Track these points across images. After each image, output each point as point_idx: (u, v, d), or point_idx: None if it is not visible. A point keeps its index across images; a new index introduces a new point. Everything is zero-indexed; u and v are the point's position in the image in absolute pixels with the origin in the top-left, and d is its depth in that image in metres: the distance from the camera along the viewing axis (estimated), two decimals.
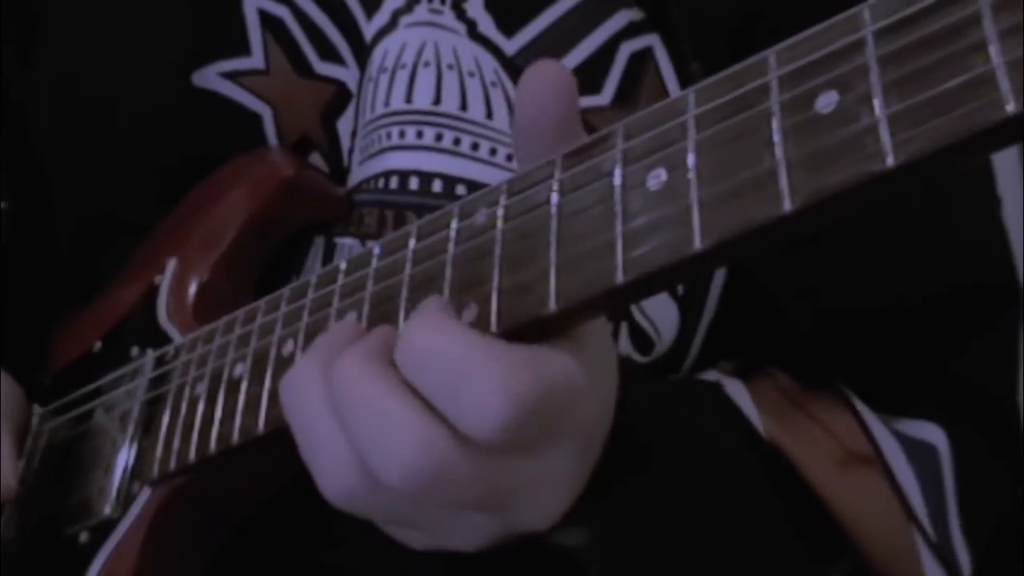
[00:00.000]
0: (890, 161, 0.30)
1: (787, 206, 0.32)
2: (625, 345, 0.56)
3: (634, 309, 0.56)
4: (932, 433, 0.54)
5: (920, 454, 0.54)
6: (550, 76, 0.38)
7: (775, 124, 0.33)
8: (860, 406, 0.54)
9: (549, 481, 0.39)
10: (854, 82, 0.31)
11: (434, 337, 0.36)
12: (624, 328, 0.55)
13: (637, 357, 0.56)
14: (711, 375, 0.56)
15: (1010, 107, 0.28)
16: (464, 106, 0.55)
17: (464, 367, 0.35)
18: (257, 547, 0.54)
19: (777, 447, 0.52)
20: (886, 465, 0.52)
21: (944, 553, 0.52)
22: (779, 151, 0.32)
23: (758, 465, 0.50)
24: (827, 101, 0.32)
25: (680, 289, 0.56)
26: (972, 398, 0.56)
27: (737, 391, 0.54)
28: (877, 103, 0.30)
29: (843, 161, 0.31)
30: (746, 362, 0.57)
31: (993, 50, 0.29)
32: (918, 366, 0.56)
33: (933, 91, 0.29)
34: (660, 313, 0.56)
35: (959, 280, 0.57)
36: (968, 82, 0.29)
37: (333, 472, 0.38)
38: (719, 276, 0.56)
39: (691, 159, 0.34)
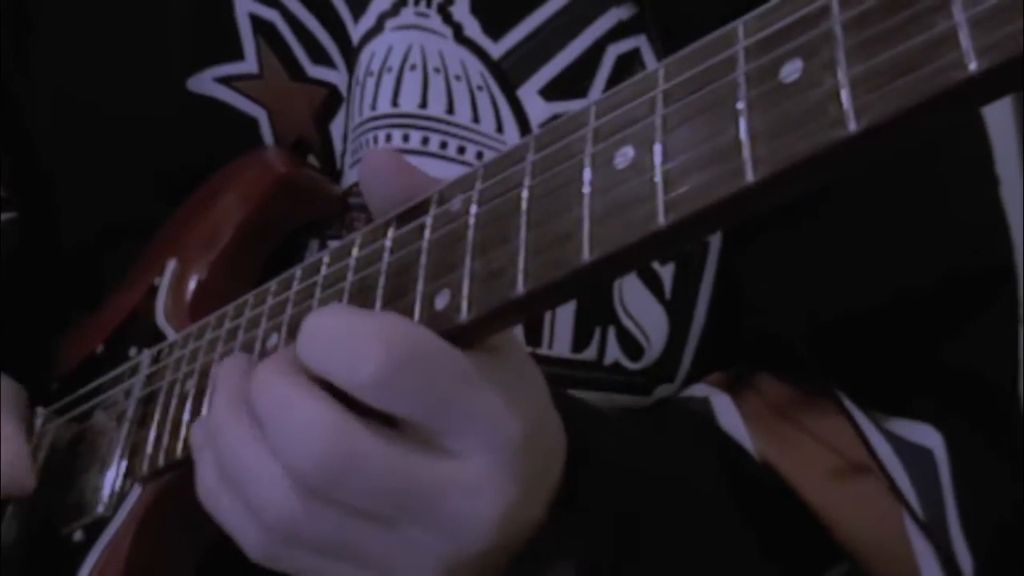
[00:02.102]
0: (852, 126, 0.29)
1: (750, 177, 0.31)
2: (615, 351, 0.55)
3: (620, 313, 0.55)
4: (928, 436, 0.53)
5: (916, 459, 0.52)
6: (384, 155, 0.43)
7: (740, 95, 0.32)
8: (854, 410, 0.52)
9: (471, 483, 0.38)
10: (819, 49, 0.30)
11: (316, 320, 0.39)
12: (612, 333, 0.54)
13: (628, 364, 0.55)
14: (700, 390, 0.55)
15: (972, 66, 0.27)
16: (451, 109, 0.54)
17: (345, 328, 0.38)
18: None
19: (769, 466, 0.51)
20: (886, 471, 0.51)
21: (945, 555, 0.50)
22: (743, 122, 0.31)
23: (730, 501, 0.49)
24: (792, 69, 0.31)
25: (668, 293, 0.55)
26: (969, 385, 0.55)
27: (726, 410, 0.53)
28: (840, 69, 0.29)
29: (806, 129, 0.30)
30: (738, 372, 0.56)
31: (955, 8, 0.27)
32: (913, 355, 0.55)
33: (895, 53, 0.28)
34: (648, 318, 0.55)
35: (955, 263, 0.55)
36: (930, 42, 0.28)
37: (269, 498, 0.38)
38: (707, 281, 0.55)
39: (657, 135, 0.34)
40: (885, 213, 0.53)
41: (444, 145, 0.54)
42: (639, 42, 0.54)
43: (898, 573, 0.50)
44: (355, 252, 0.43)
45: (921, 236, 0.54)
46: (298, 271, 0.46)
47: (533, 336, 0.52)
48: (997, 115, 0.55)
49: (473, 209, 0.38)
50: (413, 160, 0.54)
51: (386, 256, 0.41)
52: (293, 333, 0.44)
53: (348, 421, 0.37)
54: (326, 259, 0.44)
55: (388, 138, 0.54)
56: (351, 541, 0.38)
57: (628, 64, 0.54)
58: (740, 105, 0.31)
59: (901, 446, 0.52)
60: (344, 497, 0.37)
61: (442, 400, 0.37)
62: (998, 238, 0.56)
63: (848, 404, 0.52)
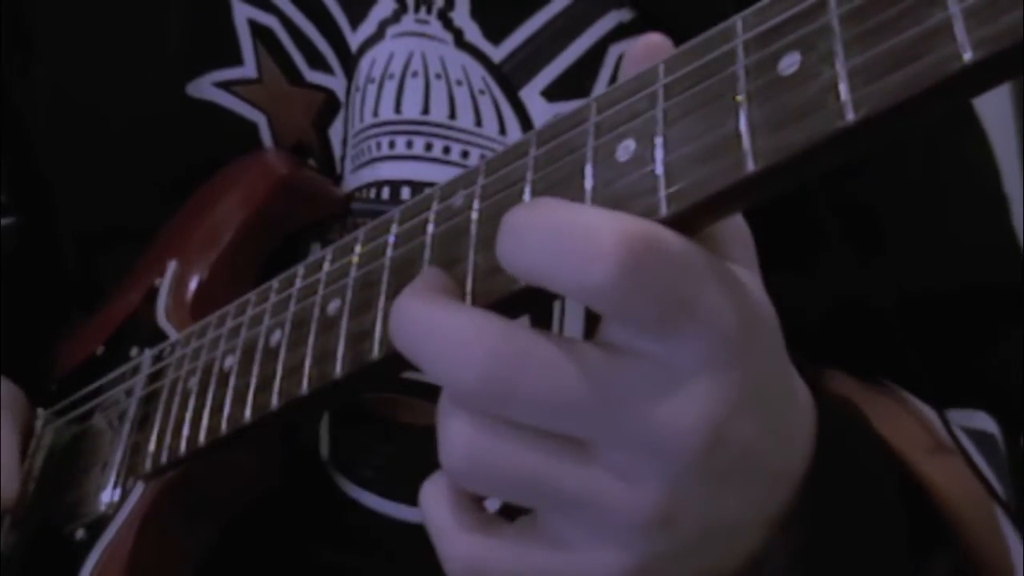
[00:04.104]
0: (850, 117, 0.30)
1: (750, 168, 0.31)
2: None
3: None
4: (987, 422, 0.53)
5: (984, 444, 0.52)
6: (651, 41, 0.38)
7: (740, 88, 0.32)
8: (917, 400, 0.53)
9: (674, 385, 0.32)
10: (816, 42, 0.31)
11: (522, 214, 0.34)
12: None
13: None
14: None
15: (967, 56, 0.28)
16: (453, 115, 0.54)
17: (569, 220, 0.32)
18: (254, 546, 0.54)
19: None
20: (965, 452, 0.50)
21: None
22: (743, 115, 0.32)
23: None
24: (790, 62, 0.31)
25: None
26: (1002, 390, 0.55)
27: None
28: (838, 61, 0.30)
29: (804, 120, 0.31)
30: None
31: (950, 0, 0.28)
32: (950, 356, 0.55)
33: (891, 45, 0.29)
34: None
35: (971, 281, 0.56)
36: (925, 33, 0.29)
37: (448, 442, 0.34)
38: None
39: (658, 128, 0.34)
40: (904, 227, 0.54)
41: (447, 150, 0.54)
42: None
43: (991, 554, 0.49)
44: (358, 248, 0.43)
45: (937, 253, 0.55)
46: (301, 268, 0.46)
47: (543, 328, 0.52)
48: (997, 115, 0.56)
49: (476, 204, 0.39)
50: (416, 166, 0.54)
51: (389, 251, 0.42)
52: (296, 329, 0.45)
53: (510, 325, 0.32)
54: (329, 256, 0.45)
55: (392, 145, 0.54)
56: (542, 475, 0.33)
57: None
58: (740, 98, 0.32)
59: (970, 434, 0.52)
60: (521, 413, 0.32)
61: (680, 300, 0.32)
62: (1013, 258, 0.57)
63: (908, 395, 0.52)
